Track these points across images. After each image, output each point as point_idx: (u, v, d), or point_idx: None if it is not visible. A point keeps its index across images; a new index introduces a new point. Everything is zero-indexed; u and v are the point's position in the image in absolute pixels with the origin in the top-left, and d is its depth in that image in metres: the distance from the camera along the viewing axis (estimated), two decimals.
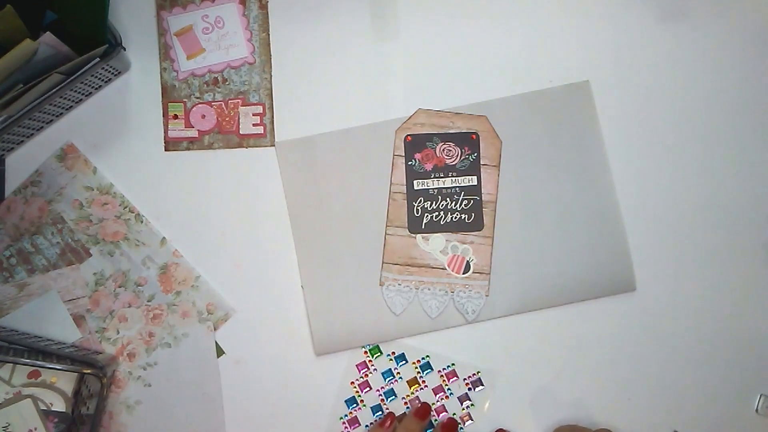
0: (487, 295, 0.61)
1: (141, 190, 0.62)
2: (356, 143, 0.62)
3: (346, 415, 0.62)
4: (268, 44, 0.63)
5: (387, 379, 0.62)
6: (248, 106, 0.63)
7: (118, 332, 0.62)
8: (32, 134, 0.62)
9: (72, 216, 0.62)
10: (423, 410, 0.60)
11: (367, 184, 0.62)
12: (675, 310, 0.63)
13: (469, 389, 0.62)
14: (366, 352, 0.62)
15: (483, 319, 0.61)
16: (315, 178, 0.62)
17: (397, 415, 0.61)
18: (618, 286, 0.62)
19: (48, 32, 0.52)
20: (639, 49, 0.64)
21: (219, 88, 0.63)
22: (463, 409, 0.62)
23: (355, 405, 0.62)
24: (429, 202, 0.62)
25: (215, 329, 0.62)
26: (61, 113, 0.62)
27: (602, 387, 0.62)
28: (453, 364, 0.62)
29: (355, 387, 0.62)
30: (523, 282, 0.62)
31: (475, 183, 0.62)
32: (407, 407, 0.62)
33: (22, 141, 0.62)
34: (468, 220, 0.62)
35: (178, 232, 0.62)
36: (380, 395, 0.62)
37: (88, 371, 0.58)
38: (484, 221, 0.62)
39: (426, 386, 0.62)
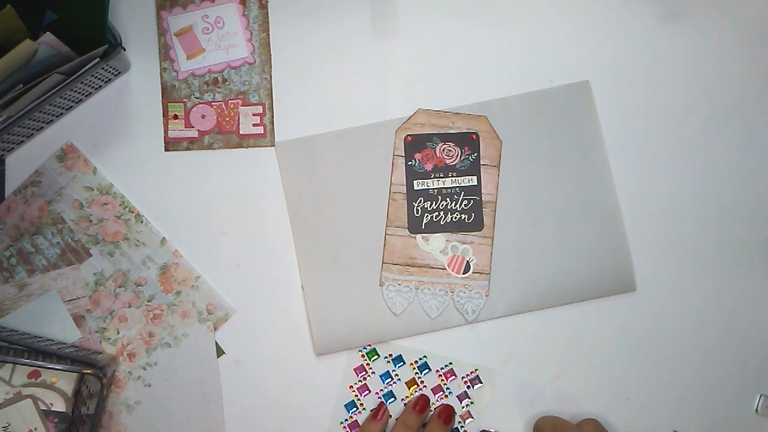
0: (487, 295, 0.61)
1: (141, 190, 0.62)
2: (356, 143, 0.62)
3: (346, 420, 0.62)
4: (268, 44, 0.63)
5: (385, 382, 0.62)
6: (248, 106, 0.63)
7: (118, 332, 0.62)
8: (32, 134, 0.62)
9: (72, 216, 0.62)
10: (422, 403, 0.60)
11: (367, 184, 0.62)
12: (675, 310, 0.63)
13: (468, 387, 0.62)
14: (363, 356, 0.62)
15: (483, 319, 0.61)
16: (315, 178, 0.62)
17: (397, 417, 0.61)
18: (618, 286, 0.62)
19: (48, 32, 0.52)
20: (639, 49, 0.64)
21: (219, 88, 0.63)
22: (463, 407, 0.62)
23: (354, 409, 0.62)
24: (429, 202, 0.62)
25: (215, 329, 0.62)
26: (61, 113, 0.62)
27: (602, 387, 0.62)
28: (450, 363, 0.62)
29: (354, 391, 0.62)
30: (523, 282, 0.62)
31: (475, 183, 0.62)
32: None
33: (22, 141, 0.62)
34: (468, 220, 0.62)
35: (178, 232, 0.62)
36: (379, 398, 0.62)
37: (88, 371, 0.58)
38: (484, 221, 0.62)
39: (425, 386, 0.62)
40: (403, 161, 0.62)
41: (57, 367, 0.57)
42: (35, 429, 0.59)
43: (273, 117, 0.63)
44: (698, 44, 0.64)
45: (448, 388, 0.62)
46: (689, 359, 0.62)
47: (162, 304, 0.62)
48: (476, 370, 0.62)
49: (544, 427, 0.57)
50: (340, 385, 0.62)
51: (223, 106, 0.63)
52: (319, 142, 0.62)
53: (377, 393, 0.62)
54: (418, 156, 0.62)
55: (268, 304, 0.62)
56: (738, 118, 0.64)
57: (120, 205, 0.62)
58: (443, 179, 0.62)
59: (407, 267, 0.62)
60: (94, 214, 0.62)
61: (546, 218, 0.62)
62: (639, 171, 0.63)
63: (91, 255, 0.62)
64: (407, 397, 0.62)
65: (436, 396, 0.62)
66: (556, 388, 0.62)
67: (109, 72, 0.61)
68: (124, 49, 0.61)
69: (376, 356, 0.62)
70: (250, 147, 0.63)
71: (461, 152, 0.62)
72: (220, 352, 0.62)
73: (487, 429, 0.61)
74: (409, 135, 0.62)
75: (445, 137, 0.62)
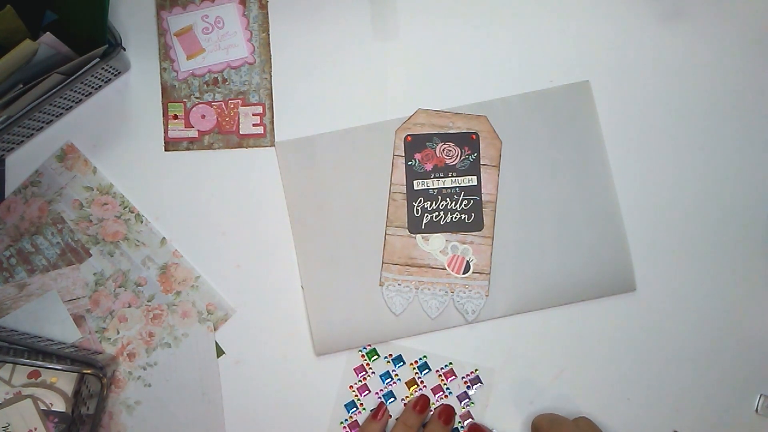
0: (487, 295, 0.61)
1: (141, 190, 0.62)
2: (356, 143, 0.62)
3: (346, 420, 0.62)
4: (268, 44, 0.63)
5: (385, 382, 0.62)
6: (248, 106, 0.63)
7: (118, 332, 0.62)
8: (32, 134, 0.62)
9: (72, 216, 0.62)
10: (422, 403, 0.60)
11: (367, 184, 0.62)
12: (675, 310, 0.63)
13: (468, 387, 0.62)
14: (363, 356, 0.62)
15: (483, 319, 0.61)
16: (315, 178, 0.62)
17: (397, 417, 0.61)
18: (618, 286, 0.62)
19: (48, 32, 0.52)
20: (639, 49, 0.64)
21: (219, 88, 0.63)
22: (463, 407, 0.62)
23: (354, 409, 0.62)
24: (429, 202, 0.62)
25: (215, 329, 0.62)
26: (61, 113, 0.62)
27: (602, 387, 0.62)
28: (450, 363, 0.62)
29: (354, 391, 0.62)
30: (523, 282, 0.62)
31: (475, 183, 0.62)
32: None
33: (22, 141, 0.62)
34: (468, 220, 0.62)
35: (178, 232, 0.62)
36: (379, 398, 0.62)
37: (88, 371, 0.58)
38: (484, 221, 0.62)
39: (425, 386, 0.62)
40: (403, 161, 0.62)
41: (57, 367, 0.57)
42: (35, 429, 0.59)
43: (273, 117, 0.63)
44: (698, 44, 0.64)
45: (448, 388, 0.62)
46: (689, 359, 0.62)
47: (162, 304, 0.62)
48: (476, 370, 0.62)
49: (542, 423, 0.57)
50: (340, 385, 0.62)
51: (223, 106, 0.63)
52: (319, 142, 0.62)
53: (377, 393, 0.62)
54: (418, 156, 0.62)
55: (268, 304, 0.62)
56: (738, 118, 0.64)
57: (120, 205, 0.62)
58: (443, 179, 0.62)
59: (407, 267, 0.62)
60: (94, 214, 0.62)
61: (546, 218, 0.62)
62: (639, 171, 0.63)
63: (91, 255, 0.62)
64: (407, 397, 0.62)
65: (436, 396, 0.62)
66: (556, 388, 0.62)
67: (109, 72, 0.61)
68: (124, 49, 0.61)
69: (376, 356, 0.62)
70: (250, 147, 0.63)
71: (461, 152, 0.62)
72: (220, 352, 0.62)
73: (478, 423, 0.61)
74: (409, 135, 0.62)
75: (445, 137, 0.62)
